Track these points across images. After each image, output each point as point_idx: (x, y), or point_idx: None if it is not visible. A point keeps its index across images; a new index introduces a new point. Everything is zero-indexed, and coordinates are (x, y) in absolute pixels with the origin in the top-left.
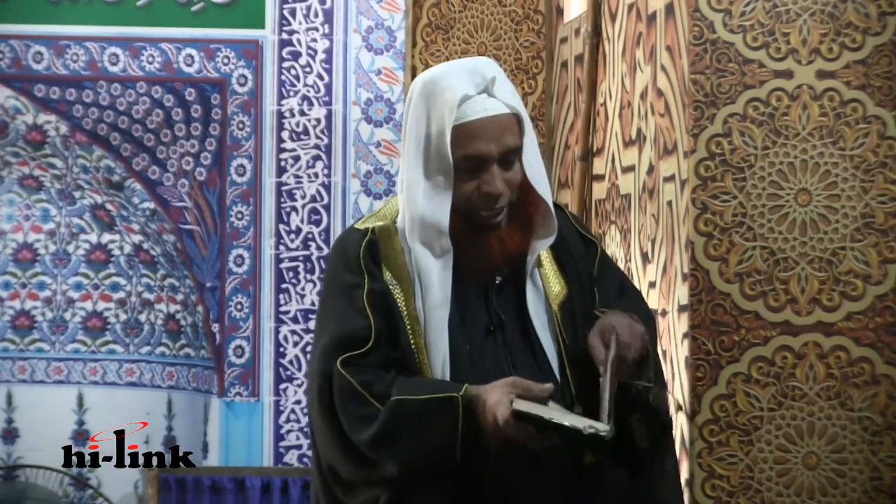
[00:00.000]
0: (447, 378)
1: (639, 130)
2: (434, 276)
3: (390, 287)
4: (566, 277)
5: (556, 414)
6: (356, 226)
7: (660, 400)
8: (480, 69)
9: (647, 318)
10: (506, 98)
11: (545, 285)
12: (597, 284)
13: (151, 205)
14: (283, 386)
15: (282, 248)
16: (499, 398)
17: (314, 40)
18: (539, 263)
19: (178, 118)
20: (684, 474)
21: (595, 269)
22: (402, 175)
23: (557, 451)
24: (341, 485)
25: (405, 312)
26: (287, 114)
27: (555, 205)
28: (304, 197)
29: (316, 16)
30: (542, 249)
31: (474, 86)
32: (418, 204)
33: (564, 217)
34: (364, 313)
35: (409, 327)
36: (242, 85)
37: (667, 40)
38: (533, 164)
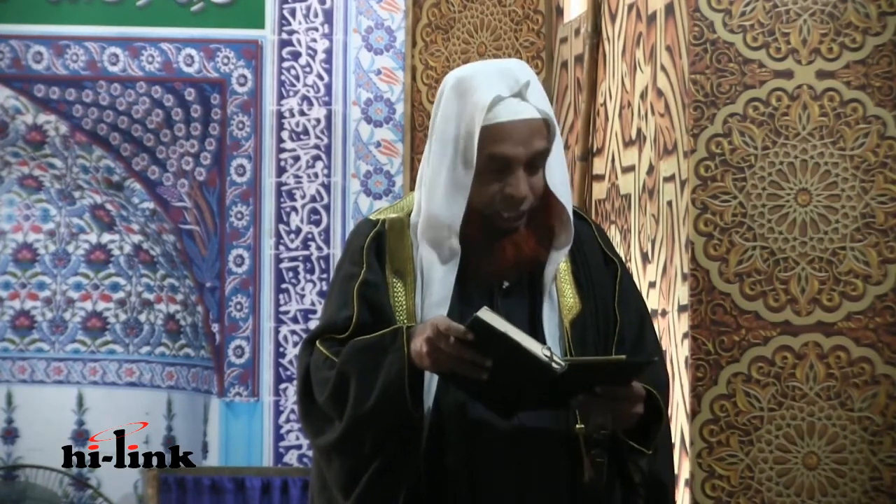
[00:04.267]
0: (439, 380)
1: (639, 130)
2: (437, 274)
3: (392, 280)
4: (581, 294)
5: (518, 334)
6: (370, 216)
7: (657, 467)
8: (515, 72)
9: (663, 385)
10: (538, 103)
11: (560, 299)
12: (619, 312)
13: (151, 205)
14: (283, 386)
15: (282, 248)
16: (443, 317)
17: (314, 40)
18: (558, 277)
19: (178, 118)
20: (684, 474)
21: (616, 292)
22: (423, 169)
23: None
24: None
25: (403, 307)
26: (287, 114)
27: (581, 217)
28: (304, 197)
29: (316, 16)
30: (560, 259)
31: (507, 88)
32: (435, 200)
33: (590, 230)
34: (350, 303)
35: (403, 322)
36: (242, 85)
37: (667, 40)
38: (556, 171)
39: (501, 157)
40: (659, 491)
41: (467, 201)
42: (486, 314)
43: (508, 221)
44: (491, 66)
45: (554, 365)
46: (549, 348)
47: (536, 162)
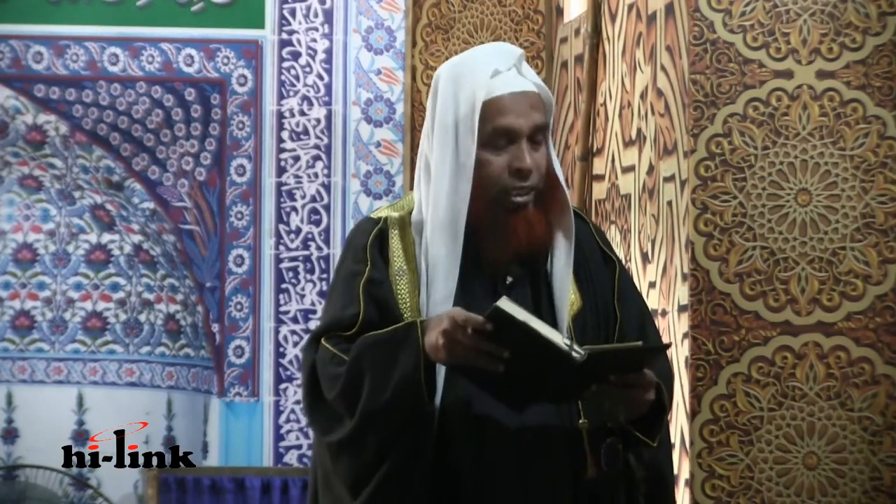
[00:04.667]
0: (444, 376)
1: (639, 130)
2: (441, 271)
3: (396, 278)
4: (582, 291)
5: (538, 324)
6: (371, 215)
7: (660, 461)
8: (508, 49)
9: (668, 377)
10: (532, 77)
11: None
12: (619, 309)
13: (151, 205)
14: (283, 386)
15: (282, 248)
16: (459, 309)
17: (314, 40)
18: (558, 272)
19: (178, 118)
20: (684, 474)
21: (615, 290)
22: (421, 163)
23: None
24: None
25: (408, 304)
26: (287, 114)
27: (579, 216)
28: (304, 197)
29: (316, 16)
30: (567, 248)
31: (503, 63)
32: (442, 189)
33: (588, 230)
34: (357, 301)
35: (409, 319)
36: (242, 85)
37: (667, 40)
38: (553, 153)
39: (505, 129)
40: (661, 486)
41: (475, 187)
42: (505, 304)
43: (518, 196)
44: (482, 48)
45: (574, 354)
46: (569, 337)
47: (538, 135)
